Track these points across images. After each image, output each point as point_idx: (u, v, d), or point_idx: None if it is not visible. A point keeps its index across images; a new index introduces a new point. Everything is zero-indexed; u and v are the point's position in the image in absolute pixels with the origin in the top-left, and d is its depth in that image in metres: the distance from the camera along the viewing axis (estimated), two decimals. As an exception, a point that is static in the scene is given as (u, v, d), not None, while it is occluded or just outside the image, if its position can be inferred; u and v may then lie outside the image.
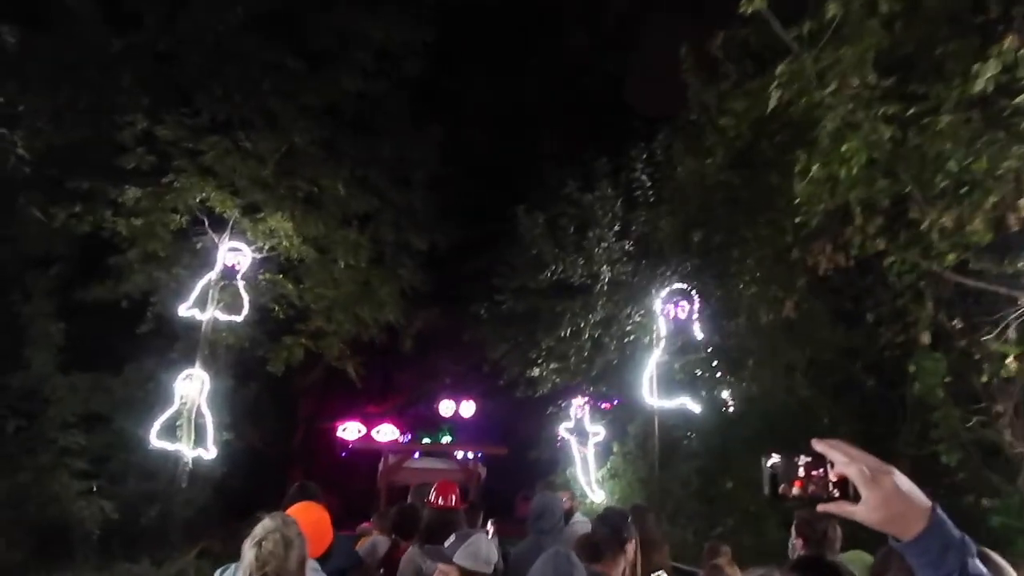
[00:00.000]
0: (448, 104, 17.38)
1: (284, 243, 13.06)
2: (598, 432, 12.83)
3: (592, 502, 12.19)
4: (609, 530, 3.74)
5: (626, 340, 11.70)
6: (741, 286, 7.39)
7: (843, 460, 1.32)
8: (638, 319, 11.54)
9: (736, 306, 7.72)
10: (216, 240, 13.13)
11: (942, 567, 1.28)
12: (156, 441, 12.19)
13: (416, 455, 17.21)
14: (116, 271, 13.15)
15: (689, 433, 9.80)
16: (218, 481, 13.69)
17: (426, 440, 22.91)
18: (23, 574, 8.90)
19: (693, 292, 10.34)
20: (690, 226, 8.62)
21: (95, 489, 11.28)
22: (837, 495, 1.35)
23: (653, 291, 11.06)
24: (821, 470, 1.37)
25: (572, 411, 13.20)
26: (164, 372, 13.16)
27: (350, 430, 20.55)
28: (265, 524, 2.80)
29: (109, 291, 13.04)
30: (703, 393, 9.93)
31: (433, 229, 15.03)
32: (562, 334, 12.46)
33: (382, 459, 16.00)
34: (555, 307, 12.78)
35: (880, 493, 1.28)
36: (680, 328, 10.41)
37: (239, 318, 13.09)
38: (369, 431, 20.68)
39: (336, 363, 14.18)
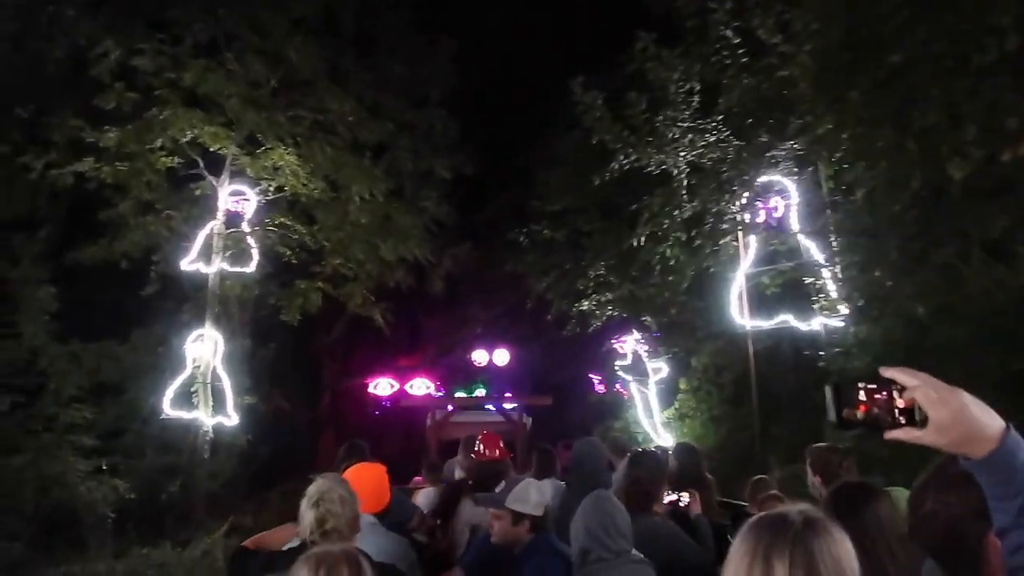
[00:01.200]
0: (460, 20, 15.48)
1: (290, 180, 11.52)
2: (659, 368, 11.36)
3: (659, 447, 10.82)
4: (649, 473, 3.81)
5: (722, 242, 9.70)
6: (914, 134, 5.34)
7: (910, 383, 1.32)
8: (734, 213, 9.29)
9: (911, 165, 5.66)
10: (215, 184, 11.69)
11: (1012, 484, 1.29)
12: (170, 410, 11.01)
13: (460, 410, 16.36)
14: (110, 228, 11.84)
15: (821, 352, 8.02)
16: (243, 450, 12.52)
17: (461, 394, 22.19)
18: (27, 570, 7.68)
19: (793, 181, 8.44)
20: (848, 50, 6.45)
21: (104, 468, 10.07)
22: (903, 421, 1.35)
23: (748, 178, 8.97)
24: (885, 394, 1.38)
25: (627, 348, 11.72)
26: (175, 336, 11.97)
27: (381, 386, 19.31)
28: (319, 484, 2.89)
29: (104, 251, 11.78)
30: (820, 303, 8.15)
31: (456, 154, 13.35)
32: (635, 243, 10.30)
33: (429, 415, 15.10)
34: (608, 227, 10.96)
35: (947, 415, 1.28)
36: (777, 228, 8.71)
37: (248, 269, 11.72)
38: (402, 386, 19.45)
39: (360, 310, 12.72)
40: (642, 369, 11.39)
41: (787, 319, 8.70)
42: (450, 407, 15.59)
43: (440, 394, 20.78)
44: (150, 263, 12.05)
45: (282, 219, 11.86)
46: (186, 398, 11.34)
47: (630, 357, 11.64)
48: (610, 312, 11.31)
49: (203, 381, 11.26)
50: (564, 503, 4.03)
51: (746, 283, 9.17)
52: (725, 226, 9.31)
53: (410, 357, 20.51)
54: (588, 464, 4.38)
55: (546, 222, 11.93)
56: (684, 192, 10.21)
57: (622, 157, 10.25)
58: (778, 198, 8.75)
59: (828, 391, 1.45)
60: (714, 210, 9.50)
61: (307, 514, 2.81)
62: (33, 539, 8.24)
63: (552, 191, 12.18)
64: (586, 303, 11.36)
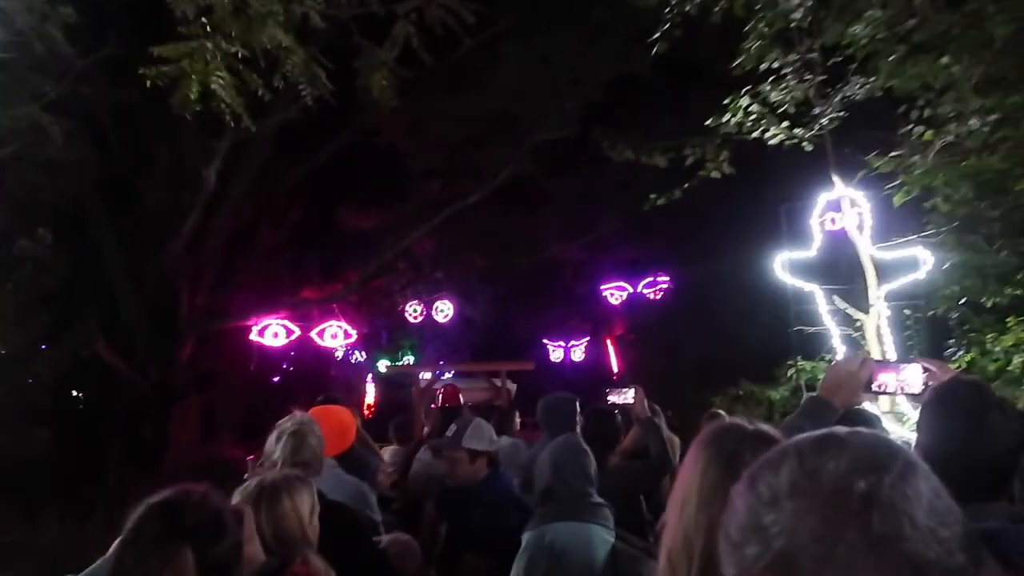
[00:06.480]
0: None
1: None
2: (910, 262, 5.12)
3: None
4: (604, 434, 3.87)
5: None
6: None
7: None
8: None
9: None
10: None
11: None
12: None
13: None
14: None
15: None
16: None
17: (384, 362, 18.03)
18: None
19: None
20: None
21: None
22: None
23: None
24: None
25: (816, 218, 5.47)
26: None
27: (272, 332, 12.20)
28: (294, 418, 2.89)
29: None
30: None
31: None
32: None
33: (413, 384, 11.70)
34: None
35: None
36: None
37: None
38: (306, 332, 12.56)
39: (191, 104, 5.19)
40: (849, 264, 5.20)
41: None
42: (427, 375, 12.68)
43: (363, 357, 16.86)
44: None
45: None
46: None
47: (818, 238, 5.44)
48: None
49: None
50: (534, 454, 3.83)
51: None
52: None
53: (319, 287, 13.46)
54: (561, 415, 4.07)
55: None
56: None
57: None
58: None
59: None
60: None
61: (283, 445, 2.76)
62: None
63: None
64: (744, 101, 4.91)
